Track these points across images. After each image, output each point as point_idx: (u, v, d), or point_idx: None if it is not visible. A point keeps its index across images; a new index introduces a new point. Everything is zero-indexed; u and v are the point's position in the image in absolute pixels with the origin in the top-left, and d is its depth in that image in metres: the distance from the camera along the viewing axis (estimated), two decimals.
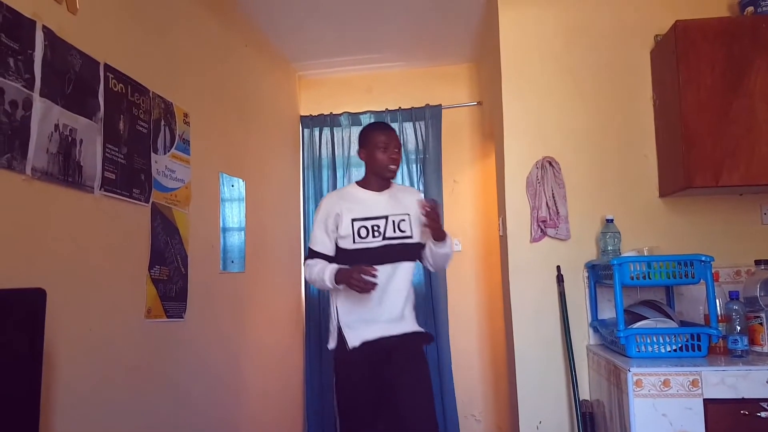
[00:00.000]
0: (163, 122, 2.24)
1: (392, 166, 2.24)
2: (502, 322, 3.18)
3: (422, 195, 2.48)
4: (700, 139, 2.32)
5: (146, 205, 2.11)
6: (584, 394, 2.54)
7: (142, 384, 2.05)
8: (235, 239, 2.87)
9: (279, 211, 3.54)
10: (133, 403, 1.97)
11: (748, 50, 2.34)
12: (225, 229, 2.77)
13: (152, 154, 2.17)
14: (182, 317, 2.32)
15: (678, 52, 2.37)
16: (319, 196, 3.86)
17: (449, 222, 3.72)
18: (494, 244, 3.45)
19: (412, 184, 3.82)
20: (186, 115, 2.42)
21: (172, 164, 2.31)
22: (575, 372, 2.52)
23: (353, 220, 2.20)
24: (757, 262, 2.25)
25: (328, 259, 2.23)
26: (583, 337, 2.59)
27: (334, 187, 3.88)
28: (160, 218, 2.20)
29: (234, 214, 2.88)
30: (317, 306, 3.78)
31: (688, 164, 2.32)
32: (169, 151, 2.29)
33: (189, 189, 2.43)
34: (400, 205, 2.26)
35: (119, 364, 1.92)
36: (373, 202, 2.25)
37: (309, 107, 3.99)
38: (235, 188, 2.89)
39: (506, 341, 2.96)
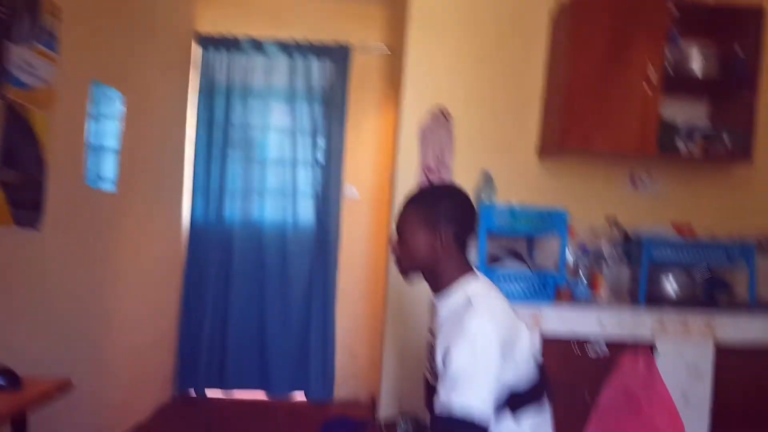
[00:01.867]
0: (25, 10, 2.02)
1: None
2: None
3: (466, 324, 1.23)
4: (579, 104, 2.46)
5: None
6: None
7: None
8: (107, 156, 2.69)
9: (162, 133, 3.34)
10: None
11: (632, 24, 2.48)
12: (94, 143, 2.58)
13: (7, 42, 1.96)
14: (35, 228, 2.16)
15: (573, 18, 2.47)
16: (211, 124, 3.67)
17: (349, 170, 3.72)
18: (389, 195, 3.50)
19: (314, 127, 3.71)
20: (57, 9, 2.19)
21: (33, 59, 2.10)
22: None
23: None
24: (608, 220, 2.46)
25: None
26: None
27: (228, 118, 3.69)
28: (12, 116, 2.00)
29: (107, 129, 2.69)
30: (199, 243, 3.69)
31: (564, 126, 2.46)
32: (29, 42, 2.08)
33: (52, 90, 2.23)
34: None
35: None
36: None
37: (207, 24, 3.71)
38: (110, 100, 2.69)
39: (385, 286, 3.06)
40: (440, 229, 1.29)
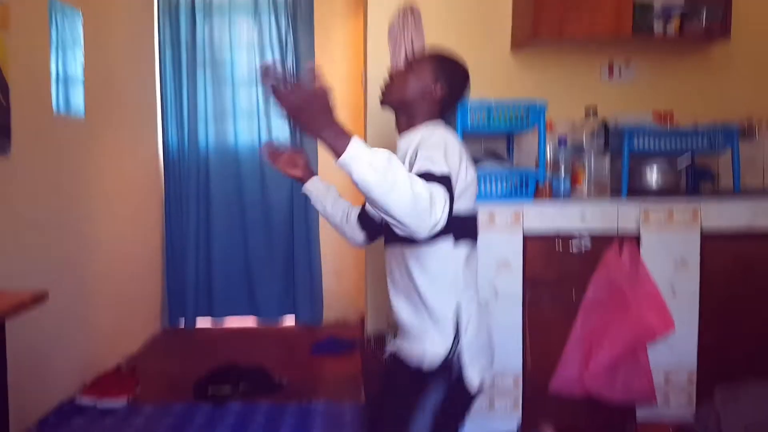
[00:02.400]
0: None
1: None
2: None
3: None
4: None
5: None
6: None
7: None
8: (71, 78, 2.55)
9: (128, 56, 3.19)
10: None
11: None
12: (56, 64, 2.44)
13: None
14: (4, 153, 2.07)
15: None
16: (176, 44, 3.50)
17: None
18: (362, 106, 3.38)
19: (282, 41, 3.54)
20: None
21: None
22: None
23: None
24: (587, 111, 2.37)
25: None
26: None
27: (194, 37, 3.50)
28: None
29: (69, 49, 2.53)
30: (176, 170, 3.57)
31: (536, 14, 2.33)
32: None
33: (7, 9, 2.07)
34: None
35: None
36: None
37: None
38: (68, 19, 2.51)
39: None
40: (440, 84, 1.37)
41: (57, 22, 2.46)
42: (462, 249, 1.31)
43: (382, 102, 1.43)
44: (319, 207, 1.63)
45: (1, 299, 1.48)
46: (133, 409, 2.47)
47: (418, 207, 0.98)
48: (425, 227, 1.00)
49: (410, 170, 1.14)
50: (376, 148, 1.01)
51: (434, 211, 1.00)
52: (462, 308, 1.29)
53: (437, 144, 1.24)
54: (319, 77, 1.02)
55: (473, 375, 1.28)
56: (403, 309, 1.36)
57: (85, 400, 2.48)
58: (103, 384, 2.56)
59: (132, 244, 3.24)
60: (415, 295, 1.31)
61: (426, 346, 1.29)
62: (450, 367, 1.27)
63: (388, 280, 1.42)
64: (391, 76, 1.44)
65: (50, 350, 2.40)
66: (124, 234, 3.13)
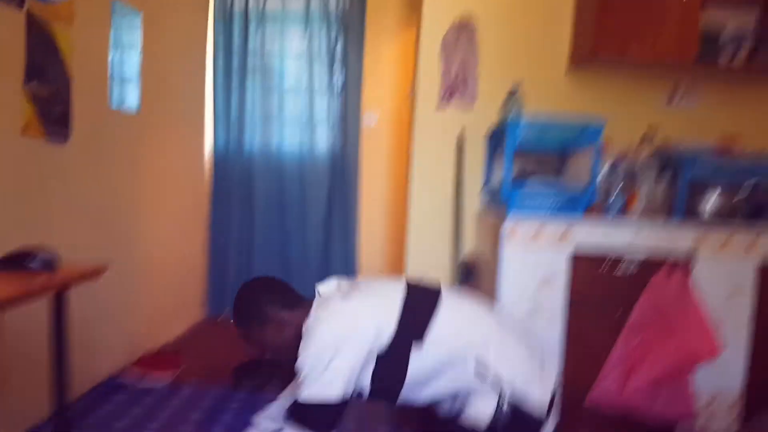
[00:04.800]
0: None
1: None
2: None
3: None
4: (613, 10, 2.31)
5: (19, 10, 1.92)
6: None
7: (23, 205, 1.97)
8: (128, 76, 2.70)
9: (183, 59, 3.32)
10: (6, 228, 1.89)
11: None
12: (115, 62, 2.58)
13: None
14: (64, 143, 2.20)
15: None
16: (228, 50, 3.63)
17: (367, 95, 3.66)
18: (408, 117, 3.43)
19: (332, 52, 3.63)
20: None
21: None
22: (459, 231, 2.63)
23: None
24: (644, 135, 2.34)
25: None
26: (474, 204, 2.68)
27: (246, 45, 3.61)
28: (36, 30, 2.00)
29: (127, 48, 2.68)
30: (222, 170, 3.72)
31: (597, 33, 2.33)
32: None
33: (73, 6, 2.22)
34: None
35: None
36: None
37: None
38: (128, 19, 2.67)
39: (407, 208, 3.02)
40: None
41: (118, 22, 2.57)
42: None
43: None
44: None
45: (65, 269, 1.54)
46: (172, 391, 2.51)
47: None
48: None
49: None
50: None
51: None
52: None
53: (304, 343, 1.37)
54: None
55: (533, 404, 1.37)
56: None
57: (130, 377, 2.56)
58: (149, 362, 2.65)
59: (179, 237, 3.33)
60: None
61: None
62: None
63: None
64: None
65: (99, 327, 2.47)
66: (172, 226, 3.22)
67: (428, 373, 1.38)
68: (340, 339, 1.33)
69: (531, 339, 1.54)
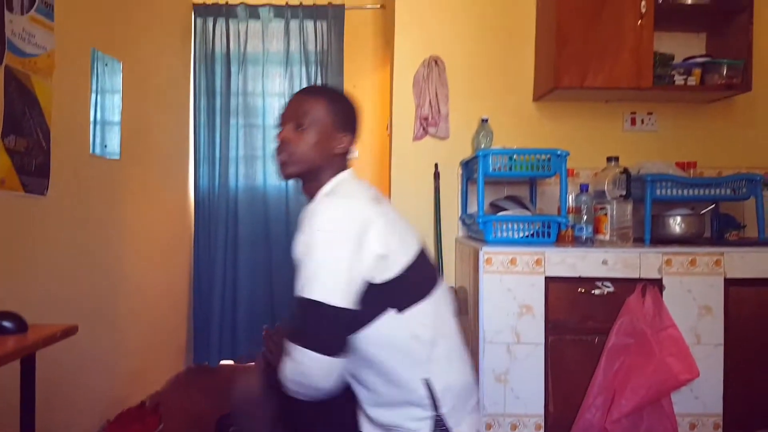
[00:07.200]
0: None
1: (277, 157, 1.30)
2: None
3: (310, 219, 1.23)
4: (571, 41, 2.43)
5: None
6: (451, 281, 2.72)
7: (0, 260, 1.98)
8: (109, 122, 2.74)
9: (164, 103, 3.38)
10: None
11: None
12: (96, 109, 2.63)
13: (6, 11, 2.00)
14: (44, 194, 2.22)
15: None
16: (211, 92, 3.70)
17: None
18: (388, 150, 3.51)
19: (309, 84, 3.72)
20: None
21: (32, 27, 2.13)
22: (442, 259, 2.68)
23: None
24: (609, 159, 2.44)
25: None
26: (454, 230, 2.75)
27: (228, 86, 3.71)
28: (15, 84, 2.05)
29: (108, 96, 2.73)
30: (206, 212, 3.74)
31: (557, 65, 2.43)
32: (27, 12, 2.11)
33: (52, 58, 2.27)
34: None
35: None
36: None
37: None
38: (109, 68, 2.73)
39: None
40: (345, 132, 1.26)
41: (98, 71, 2.62)
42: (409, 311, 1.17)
43: (286, 175, 1.26)
44: None
45: (33, 331, 1.50)
46: None
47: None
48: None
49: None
50: None
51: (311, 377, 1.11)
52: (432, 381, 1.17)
53: (313, 242, 1.15)
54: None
55: None
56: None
57: None
58: (125, 420, 2.55)
59: (161, 283, 3.31)
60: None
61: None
62: None
63: None
64: (284, 141, 1.25)
65: (75, 387, 2.41)
66: (154, 273, 3.20)
67: (382, 350, 1.17)
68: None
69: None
